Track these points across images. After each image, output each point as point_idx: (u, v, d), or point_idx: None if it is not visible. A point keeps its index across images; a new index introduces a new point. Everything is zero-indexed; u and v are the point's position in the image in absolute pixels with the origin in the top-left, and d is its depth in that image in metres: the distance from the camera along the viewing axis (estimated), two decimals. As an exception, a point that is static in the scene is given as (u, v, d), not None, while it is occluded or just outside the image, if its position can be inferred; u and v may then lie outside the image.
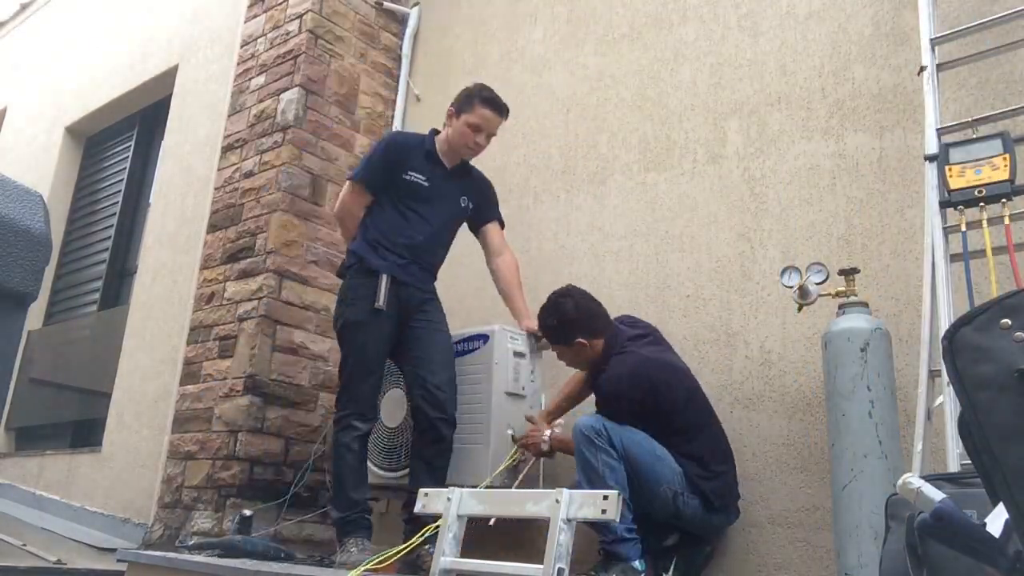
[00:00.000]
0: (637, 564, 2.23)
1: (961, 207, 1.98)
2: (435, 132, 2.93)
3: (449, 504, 1.84)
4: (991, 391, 0.94)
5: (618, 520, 1.64)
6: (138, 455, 4.00)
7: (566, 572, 1.60)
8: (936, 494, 1.01)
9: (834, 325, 2.13)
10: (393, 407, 3.05)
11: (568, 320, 2.53)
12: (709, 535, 2.47)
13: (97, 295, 5.27)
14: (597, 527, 2.24)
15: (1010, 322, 0.95)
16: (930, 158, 2.11)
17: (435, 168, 2.84)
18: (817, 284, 2.24)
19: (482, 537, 2.62)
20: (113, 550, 3.18)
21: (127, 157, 5.56)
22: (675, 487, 2.30)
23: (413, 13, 4.31)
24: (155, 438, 3.89)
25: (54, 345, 5.39)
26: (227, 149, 4.03)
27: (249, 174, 3.82)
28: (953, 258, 2.02)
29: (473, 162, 3.36)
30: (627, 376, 2.38)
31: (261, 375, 3.42)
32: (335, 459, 2.71)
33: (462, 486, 1.96)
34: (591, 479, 2.26)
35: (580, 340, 2.52)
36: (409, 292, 2.75)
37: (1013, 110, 2.13)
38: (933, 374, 2.02)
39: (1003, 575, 0.93)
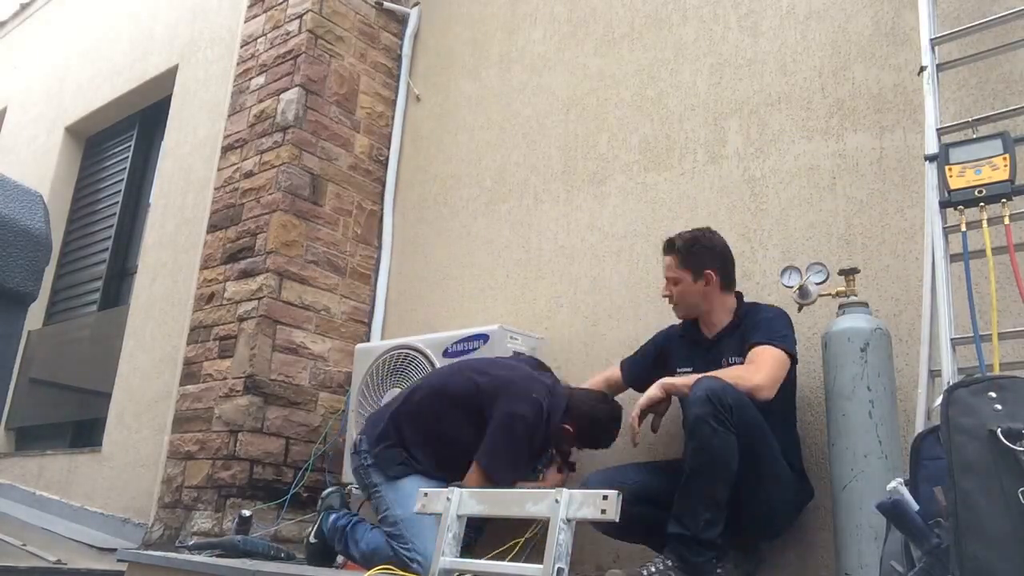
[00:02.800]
0: None
1: (961, 207, 1.98)
2: None
3: (449, 504, 1.84)
4: (966, 436, 1.33)
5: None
6: (138, 455, 4.00)
7: (566, 572, 1.60)
8: (905, 492, 1.44)
9: (834, 325, 2.13)
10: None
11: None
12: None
13: (97, 295, 5.27)
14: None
15: (995, 395, 1.36)
16: (930, 158, 2.10)
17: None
18: (817, 284, 2.24)
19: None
20: (113, 550, 3.19)
21: (127, 157, 5.56)
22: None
23: (413, 13, 4.31)
24: (155, 438, 3.89)
25: (54, 345, 5.39)
26: (227, 149, 4.03)
27: (249, 174, 3.82)
28: (953, 258, 2.01)
29: (475, 161, 3.33)
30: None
31: (261, 375, 3.42)
32: None
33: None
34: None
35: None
36: None
37: (1013, 110, 2.12)
38: (933, 374, 2.02)
39: (924, 554, 1.37)
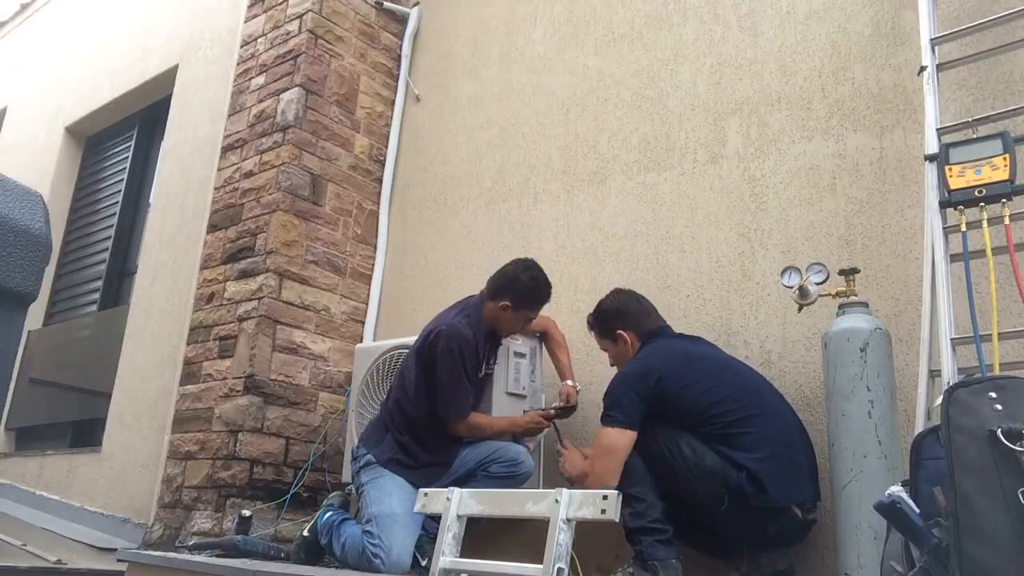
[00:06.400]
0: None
1: (961, 207, 1.98)
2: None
3: (448, 504, 1.84)
4: (966, 436, 1.34)
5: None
6: (138, 455, 4.00)
7: (566, 572, 1.60)
8: (905, 497, 1.46)
9: (834, 325, 2.13)
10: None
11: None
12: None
13: (97, 295, 5.26)
14: None
15: (995, 395, 1.36)
16: (930, 158, 2.10)
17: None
18: (817, 284, 2.24)
19: (482, 537, 2.62)
20: (113, 550, 3.18)
21: (127, 157, 5.56)
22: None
23: (413, 13, 4.31)
24: (155, 438, 3.89)
25: (54, 345, 5.38)
26: (227, 149, 4.03)
27: (249, 174, 3.82)
28: (953, 258, 2.02)
29: (474, 161, 3.31)
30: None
31: (261, 375, 3.42)
32: None
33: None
34: None
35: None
36: None
37: (1013, 110, 2.12)
38: (933, 374, 2.02)
39: (924, 553, 1.37)
